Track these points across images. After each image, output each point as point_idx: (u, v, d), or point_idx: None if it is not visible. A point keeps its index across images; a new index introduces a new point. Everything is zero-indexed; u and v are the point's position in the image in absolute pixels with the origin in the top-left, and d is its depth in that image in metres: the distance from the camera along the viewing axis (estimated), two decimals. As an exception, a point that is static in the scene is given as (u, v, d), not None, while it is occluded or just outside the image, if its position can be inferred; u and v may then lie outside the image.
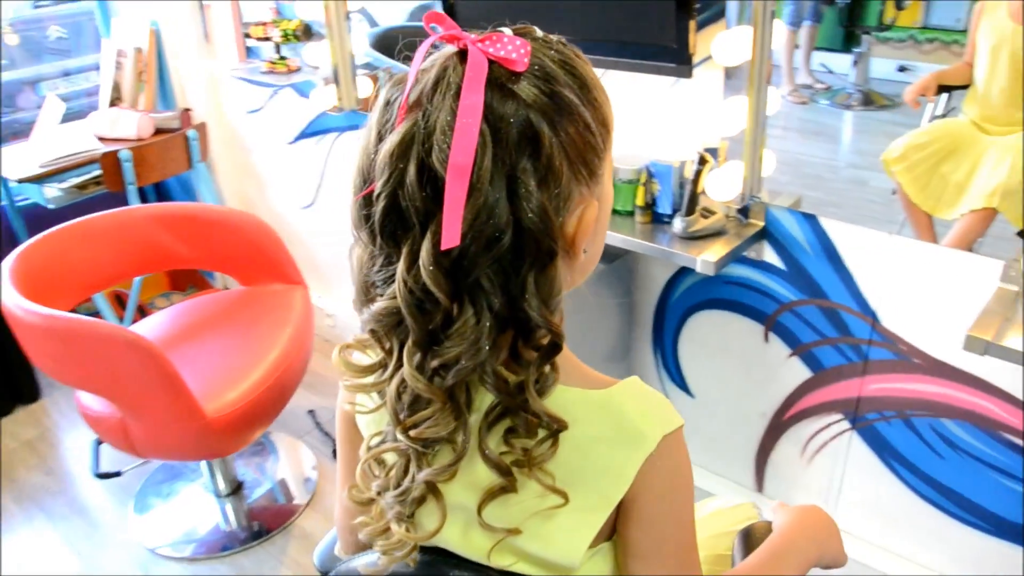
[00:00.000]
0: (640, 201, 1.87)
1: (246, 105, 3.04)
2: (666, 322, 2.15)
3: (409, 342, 0.71)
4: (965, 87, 1.87)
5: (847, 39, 2.19)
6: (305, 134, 2.87)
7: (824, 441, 1.98)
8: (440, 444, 0.74)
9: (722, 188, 1.80)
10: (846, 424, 1.93)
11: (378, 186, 0.68)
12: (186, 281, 3.40)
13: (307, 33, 2.58)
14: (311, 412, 2.75)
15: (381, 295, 0.72)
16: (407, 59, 0.74)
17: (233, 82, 3.00)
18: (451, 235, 0.65)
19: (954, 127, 1.86)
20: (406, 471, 0.77)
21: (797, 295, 1.89)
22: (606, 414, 0.75)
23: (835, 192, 1.95)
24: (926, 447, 1.83)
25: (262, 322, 2.31)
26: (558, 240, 0.69)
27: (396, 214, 0.68)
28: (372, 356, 0.79)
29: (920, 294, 1.72)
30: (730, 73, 1.78)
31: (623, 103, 1.87)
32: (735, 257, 1.81)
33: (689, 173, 1.81)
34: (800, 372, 1.96)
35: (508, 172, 0.66)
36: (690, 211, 1.80)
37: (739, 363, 2.06)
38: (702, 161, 1.77)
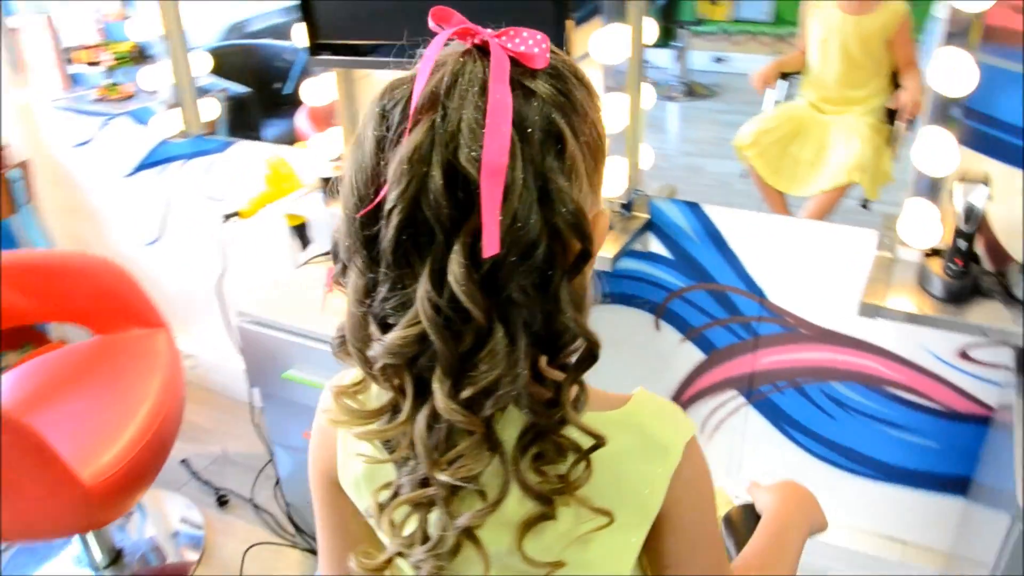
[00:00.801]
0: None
1: (73, 138, 2.78)
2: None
3: (438, 371, 0.63)
4: (799, 73, 1.98)
5: (665, 34, 2.28)
6: (145, 164, 2.66)
7: (722, 418, 2.05)
8: (471, 484, 0.68)
9: (608, 185, 1.82)
10: (742, 399, 2.01)
11: (392, 197, 0.61)
12: (19, 338, 3.08)
13: (141, 56, 2.39)
14: (184, 462, 2.56)
15: (390, 325, 0.65)
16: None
17: (56, 114, 2.74)
18: (492, 242, 0.59)
19: (796, 110, 1.97)
20: (427, 522, 0.71)
21: (686, 281, 1.94)
22: (628, 432, 0.73)
23: (675, 180, 2.01)
24: (818, 410, 1.93)
25: (127, 373, 2.13)
26: (593, 241, 0.64)
27: (414, 227, 0.61)
28: (362, 401, 0.73)
29: (802, 269, 1.81)
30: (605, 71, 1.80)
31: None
32: (626, 251, 1.84)
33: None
34: (693, 355, 2.02)
35: (537, 172, 0.61)
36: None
37: (633, 354, 2.09)
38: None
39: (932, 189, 1.57)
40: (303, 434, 1.84)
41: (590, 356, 0.68)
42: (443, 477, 0.66)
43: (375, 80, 2.03)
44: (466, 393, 0.63)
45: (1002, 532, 1.32)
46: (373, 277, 0.65)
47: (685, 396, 2.07)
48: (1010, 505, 1.30)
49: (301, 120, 2.33)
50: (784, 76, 2.03)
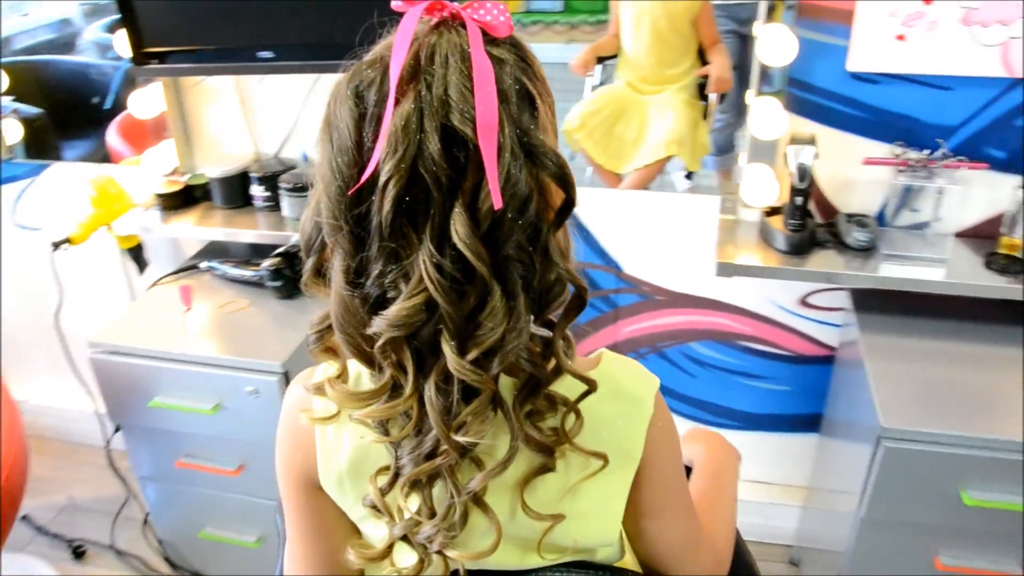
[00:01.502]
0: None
1: None
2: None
3: (445, 335, 0.65)
4: (615, 56, 2.08)
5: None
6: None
7: (591, 391, 2.13)
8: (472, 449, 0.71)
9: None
10: (608, 370, 2.09)
11: (388, 168, 0.61)
12: None
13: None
14: (25, 518, 2.34)
15: (390, 300, 0.66)
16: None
17: None
18: (497, 196, 0.61)
19: (616, 92, 2.06)
20: (431, 497, 0.73)
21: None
22: (605, 388, 0.75)
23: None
24: (679, 371, 2.05)
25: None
26: (575, 189, 0.67)
27: (411, 195, 0.63)
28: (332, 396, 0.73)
29: (653, 239, 1.91)
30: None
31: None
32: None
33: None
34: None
35: (520, 130, 0.64)
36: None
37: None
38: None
39: (766, 153, 1.71)
40: (176, 463, 1.75)
41: (580, 303, 0.71)
42: (460, 439, 0.68)
43: (206, 88, 1.94)
44: (473, 354, 0.65)
45: (865, 457, 1.46)
46: (364, 256, 0.66)
47: (553, 374, 2.13)
48: (870, 432, 1.44)
49: (112, 137, 2.19)
50: (600, 61, 2.12)
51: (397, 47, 0.63)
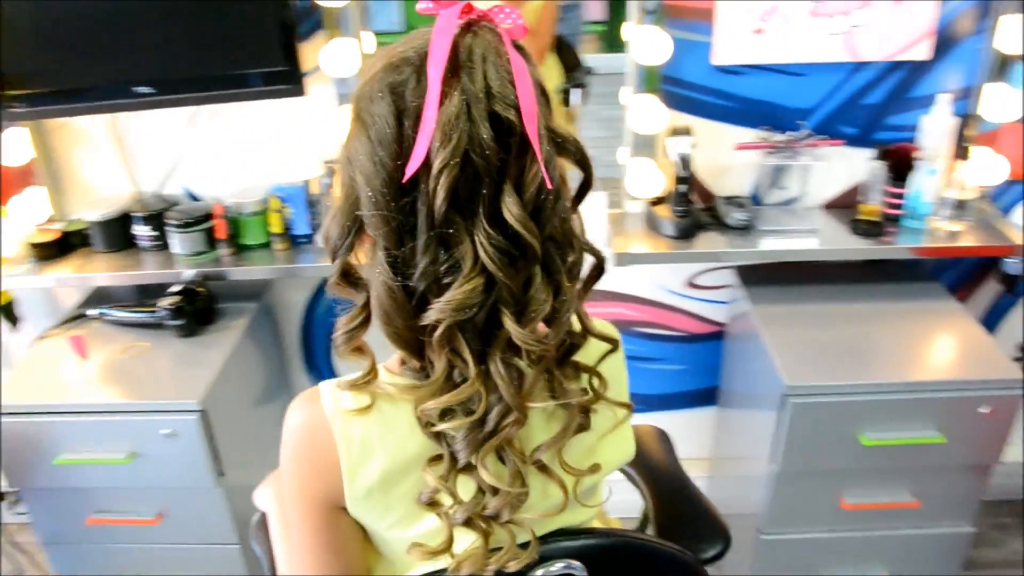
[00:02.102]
0: (277, 228, 1.83)
1: None
2: (315, 343, 2.13)
3: (505, 311, 0.71)
4: None
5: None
6: None
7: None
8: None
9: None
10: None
11: (443, 155, 0.66)
12: None
13: None
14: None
15: (445, 286, 0.70)
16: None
17: None
18: (547, 177, 0.68)
19: None
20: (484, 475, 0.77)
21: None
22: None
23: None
24: (582, 365, 2.12)
25: None
26: (593, 171, 0.75)
27: (464, 180, 0.67)
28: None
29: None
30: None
31: (224, 134, 1.81)
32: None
33: (319, 188, 1.83)
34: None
35: (545, 119, 0.71)
36: (335, 223, 1.82)
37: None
38: (332, 172, 1.79)
39: (647, 147, 1.81)
40: (87, 520, 1.66)
41: (599, 271, 0.79)
42: (535, 405, 0.75)
43: (74, 129, 1.85)
44: (531, 326, 0.71)
45: (772, 417, 1.57)
46: (411, 246, 0.70)
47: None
48: (775, 393, 1.56)
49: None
50: None
51: (437, 46, 0.68)
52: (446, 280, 0.70)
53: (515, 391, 0.73)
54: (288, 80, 1.70)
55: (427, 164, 0.67)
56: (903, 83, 1.78)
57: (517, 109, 0.68)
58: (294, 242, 1.85)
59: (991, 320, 2.03)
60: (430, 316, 0.70)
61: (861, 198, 1.82)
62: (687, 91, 1.80)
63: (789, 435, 1.56)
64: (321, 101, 1.79)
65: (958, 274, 1.97)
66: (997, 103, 1.73)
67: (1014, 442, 2.08)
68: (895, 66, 1.76)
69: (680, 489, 1.20)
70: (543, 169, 0.68)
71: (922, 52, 1.73)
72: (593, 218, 1.91)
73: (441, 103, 0.67)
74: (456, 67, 0.68)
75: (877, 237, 1.75)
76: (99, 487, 1.65)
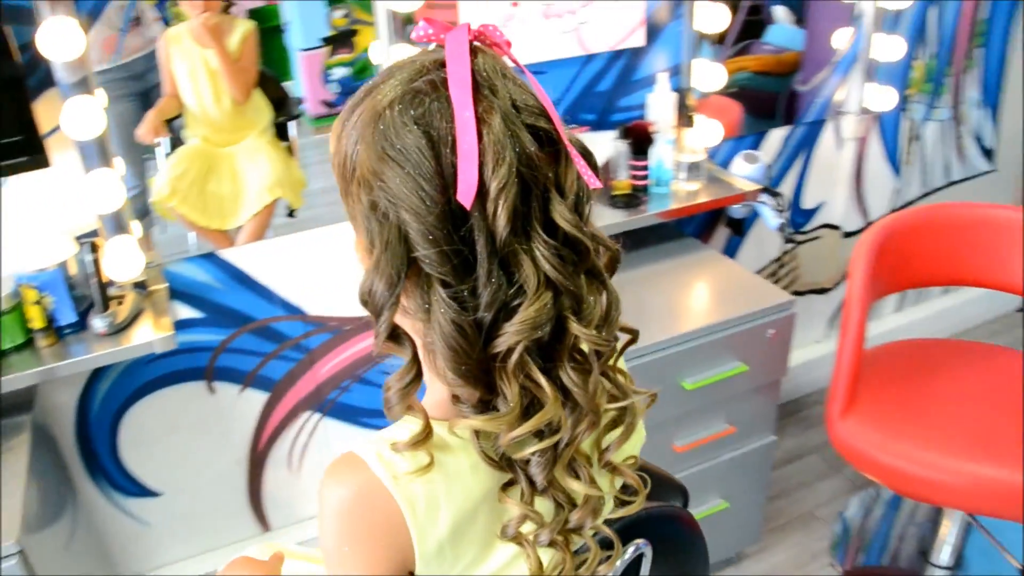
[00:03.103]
0: (39, 323, 1.57)
1: None
2: (95, 443, 1.85)
3: (572, 318, 0.72)
4: (180, 116, 1.95)
5: None
6: None
7: (305, 442, 2.07)
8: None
9: (125, 267, 1.64)
10: (316, 415, 2.05)
11: (501, 175, 0.66)
12: None
13: None
14: None
15: (513, 310, 0.69)
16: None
17: None
18: (594, 178, 0.70)
19: (196, 150, 1.90)
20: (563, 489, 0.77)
21: (226, 333, 1.88)
22: None
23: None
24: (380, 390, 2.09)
25: None
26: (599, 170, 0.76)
27: (522, 194, 0.68)
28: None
29: (326, 274, 1.91)
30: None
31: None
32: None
33: (76, 268, 1.60)
34: (257, 399, 1.97)
35: None
36: (107, 305, 1.61)
37: (195, 431, 1.94)
38: (94, 248, 1.57)
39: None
40: None
41: (616, 262, 0.80)
42: (611, 406, 0.79)
43: None
44: (592, 328, 0.74)
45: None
46: (474, 277, 0.68)
47: (262, 444, 2.02)
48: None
49: None
50: (168, 123, 1.96)
51: (457, 70, 0.67)
52: (514, 303, 0.69)
53: (590, 397, 0.75)
54: (26, 151, 1.46)
55: (481, 189, 0.66)
56: (626, 68, 1.99)
57: (546, 116, 0.70)
58: (60, 334, 1.60)
59: (721, 260, 2.36)
60: (502, 343, 0.69)
61: (611, 175, 2.01)
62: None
63: (626, 397, 1.69)
64: (64, 169, 1.56)
65: (696, 226, 2.26)
66: (702, 75, 2.02)
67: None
68: (618, 55, 1.97)
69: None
70: (584, 170, 0.70)
71: (638, 39, 1.95)
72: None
73: (479, 126, 0.66)
74: (478, 87, 0.68)
75: (634, 208, 1.95)
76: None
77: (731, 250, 2.36)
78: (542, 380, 0.71)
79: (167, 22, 1.76)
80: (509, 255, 0.68)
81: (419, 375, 0.75)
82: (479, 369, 0.71)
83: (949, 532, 2.07)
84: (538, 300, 0.68)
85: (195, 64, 1.81)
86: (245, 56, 1.84)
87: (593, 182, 0.71)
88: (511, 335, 0.68)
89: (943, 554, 2.09)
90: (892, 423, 1.75)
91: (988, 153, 2.79)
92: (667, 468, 1.83)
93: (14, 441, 1.54)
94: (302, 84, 2.23)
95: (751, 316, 1.76)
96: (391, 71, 0.72)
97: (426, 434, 0.74)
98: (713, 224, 2.30)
